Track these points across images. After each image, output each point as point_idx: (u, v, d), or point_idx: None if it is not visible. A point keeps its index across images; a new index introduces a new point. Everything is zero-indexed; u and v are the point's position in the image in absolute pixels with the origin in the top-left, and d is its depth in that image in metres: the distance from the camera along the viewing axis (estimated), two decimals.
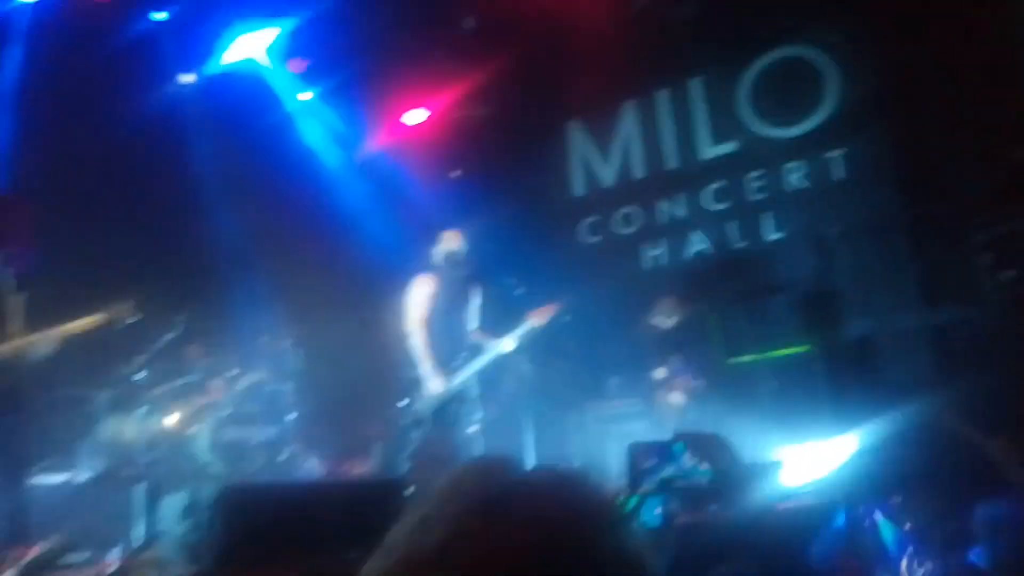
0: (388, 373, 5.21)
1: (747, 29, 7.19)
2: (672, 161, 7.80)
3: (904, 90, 6.45)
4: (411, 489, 3.83)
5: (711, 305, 5.94)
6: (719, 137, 7.50)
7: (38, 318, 4.10)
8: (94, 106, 6.37)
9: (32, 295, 4.10)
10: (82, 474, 5.23)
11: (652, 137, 7.92)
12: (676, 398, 5.43)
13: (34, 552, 3.03)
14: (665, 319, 5.90)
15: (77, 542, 3.35)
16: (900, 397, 4.75)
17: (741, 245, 7.17)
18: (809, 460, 4.18)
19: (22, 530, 3.52)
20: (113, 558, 3.21)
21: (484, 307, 5.21)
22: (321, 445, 5.99)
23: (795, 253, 6.58)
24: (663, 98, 7.90)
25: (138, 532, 3.38)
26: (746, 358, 5.65)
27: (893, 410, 4.37)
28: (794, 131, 7.05)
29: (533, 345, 5.34)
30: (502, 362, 5.05)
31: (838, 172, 6.79)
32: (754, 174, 7.22)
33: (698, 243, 7.46)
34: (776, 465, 4.15)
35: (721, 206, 7.37)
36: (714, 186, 7.43)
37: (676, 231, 7.59)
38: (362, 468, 5.50)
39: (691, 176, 7.60)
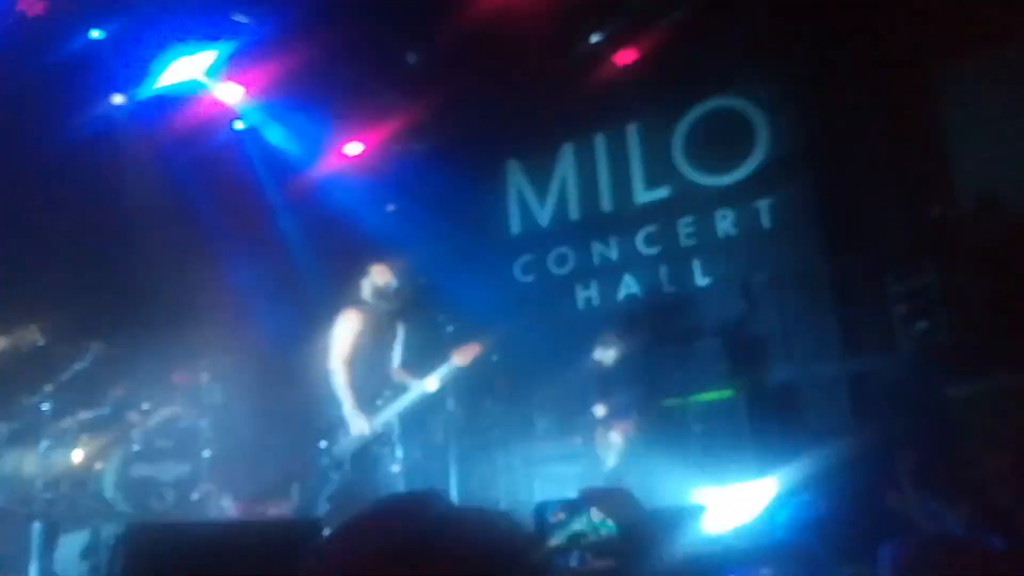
0: (309, 411, 5.07)
1: (683, 78, 7.42)
2: (607, 204, 7.92)
3: (830, 143, 6.73)
4: (328, 531, 3.69)
5: (642, 347, 6.00)
6: (653, 182, 7.66)
7: None
8: (21, 122, 6.11)
9: None
10: None
11: (588, 179, 8.04)
12: (614, 438, 5.43)
13: None
14: (602, 357, 5.93)
15: None
16: (819, 442, 4.87)
17: (671, 289, 7.29)
18: (731, 504, 4.23)
19: None
20: None
21: (412, 344, 5.14)
22: (236, 484, 5.74)
23: (723, 299, 6.72)
24: (600, 141, 8.05)
25: (32, 573, 3.15)
26: (675, 401, 5.71)
27: (811, 454, 4.49)
28: (725, 179, 7.25)
29: (460, 384, 5.28)
30: (427, 401, 4.96)
31: (766, 220, 7.00)
32: (686, 220, 7.38)
33: (630, 286, 7.55)
34: (699, 509, 4.18)
35: (653, 250, 7.50)
36: (646, 230, 7.56)
37: (608, 273, 7.68)
38: (279, 509, 5.29)
39: (625, 219, 7.72)
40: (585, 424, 5.80)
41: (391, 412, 4.73)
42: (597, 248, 7.81)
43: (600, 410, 5.62)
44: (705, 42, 7.08)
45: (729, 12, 6.95)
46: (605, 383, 5.77)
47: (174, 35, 7.25)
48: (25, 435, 5.32)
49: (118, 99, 7.25)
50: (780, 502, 4.14)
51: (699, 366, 5.87)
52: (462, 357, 4.86)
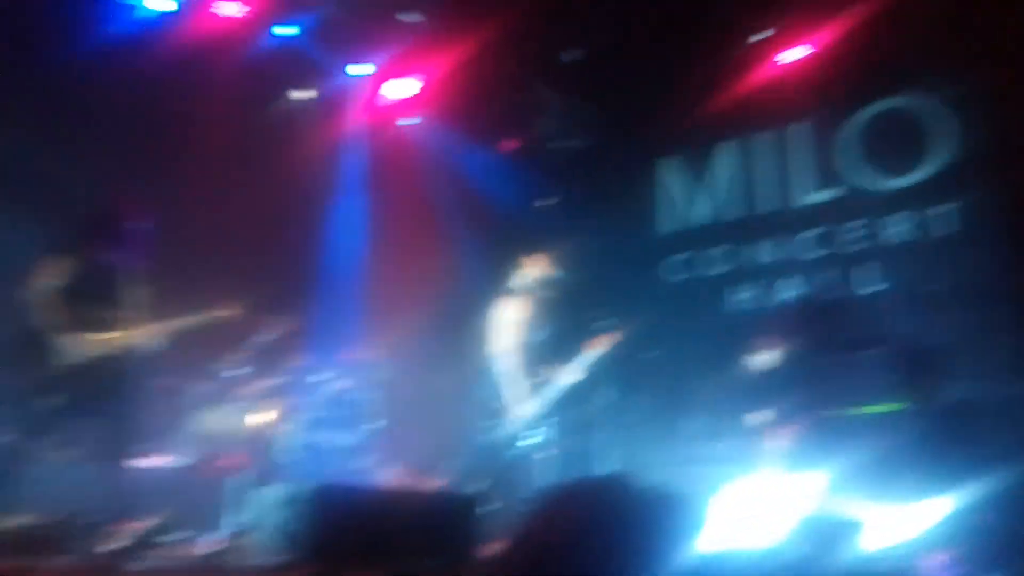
0: (470, 393, 5.31)
1: (854, 77, 7.09)
2: (765, 205, 7.71)
3: (1017, 148, 6.24)
4: (487, 508, 3.89)
5: (803, 355, 5.82)
6: (818, 184, 7.39)
7: (156, 311, 4.38)
8: (218, 117, 6.77)
9: (154, 290, 4.39)
10: (180, 460, 5.51)
11: (746, 179, 7.86)
12: (770, 446, 5.32)
13: (139, 527, 3.22)
14: (758, 363, 5.81)
15: (177, 523, 3.55)
16: (993, 463, 4.55)
17: (834, 295, 7.01)
18: (897, 521, 4.06)
19: (127, 507, 3.75)
20: (211, 541, 3.38)
21: (563, 335, 5.26)
22: (400, 455, 6.12)
23: (892, 307, 6.39)
24: (762, 140, 7.85)
25: (233, 519, 3.55)
26: (837, 412, 5.50)
27: (985, 475, 4.21)
28: (898, 183, 6.88)
29: (608, 379, 5.35)
30: (574, 392, 5.08)
31: (942, 227, 6.58)
32: (853, 224, 7.07)
33: (788, 290, 7.33)
34: (857, 524, 4.04)
35: (816, 254, 7.24)
36: (810, 233, 7.30)
37: (764, 276, 7.48)
38: (436, 482, 5.59)
39: (787, 221, 7.50)
40: (736, 429, 5.71)
41: (549, 399, 4.88)
42: (753, 250, 7.63)
43: (755, 417, 5.52)
44: (879, 39, 6.75)
45: (906, 5, 6.58)
46: (760, 390, 5.65)
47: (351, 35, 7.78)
48: (220, 397, 5.96)
49: (306, 93, 7.86)
50: (950, 522, 3.94)
51: (865, 377, 5.61)
52: (598, 347, 4.97)
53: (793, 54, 7.37)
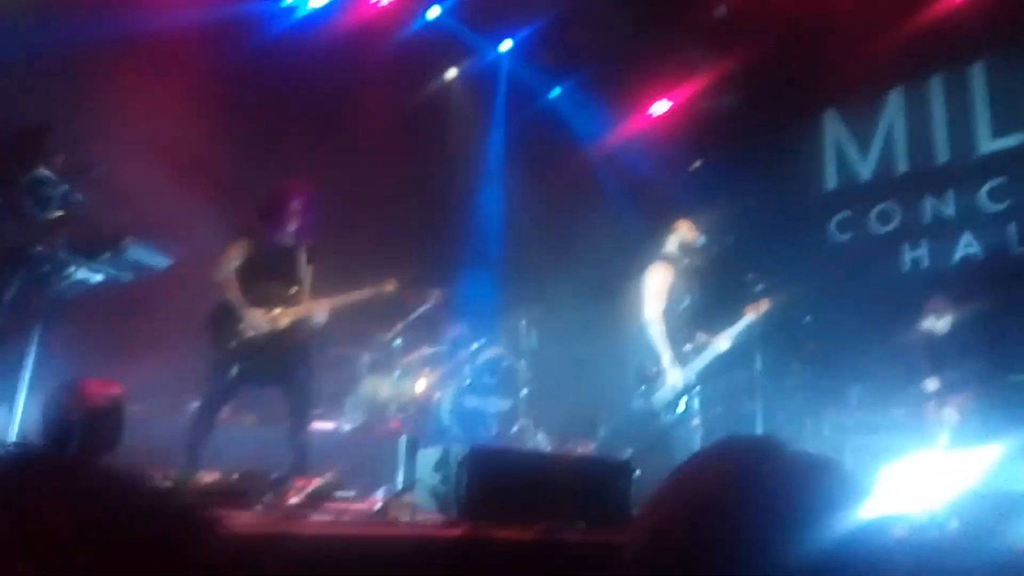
0: (619, 359, 5.32)
1: None
2: (942, 155, 7.09)
3: None
4: (637, 473, 3.91)
5: (984, 315, 5.35)
6: (1002, 129, 6.70)
7: (322, 287, 4.72)
8: (375, 101, 7.12)
9: (318, 267, 4.73)
10: (347, 423, 5.95)
11: (920, 128, 7.25)
12: (948, 414, 4.98)
13: (314, 484, 3.53)
14: (934, 325, 5.40)
15: (347, 481, 3.85)
16: None
17: (1021, 251, 6.37)
18: None
19: (303, 465, 4.11)
20: (377, 497, 3.65)
21: (718, 301, 5.13)
22: (549, 421, 6.26)
23: None
24: (936, 85, 7.20)
25: (397, 478, 3.80)
26: (1019, 376, 5.04)
27: None
28: None
29: (767, 344, 5.17)
30: (730, 358, 4.94)
31: None
32: None
33: (968, 246, 6.74)
34: None
35: (998, 206, 6.59)
36: (991, 184, 6.65)
37: (942, 232, 6.91)
38: (586, 448, 5.67)
39: (964, 172, 6.87)
40: (909, 396, 5.36)
41: (700, 365, 4.80)
42: (929, 203, 7.05)
43: (932, 383, 5.15)
44: None
45: None
46: (937, 353, 5.26)
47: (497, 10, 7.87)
48: (381, 365, 6.34)
49: (451, 73, 8.08)
50: None
51: None
52: (753, 313, 4.79)
53: None
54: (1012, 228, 6.47)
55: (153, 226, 4.45)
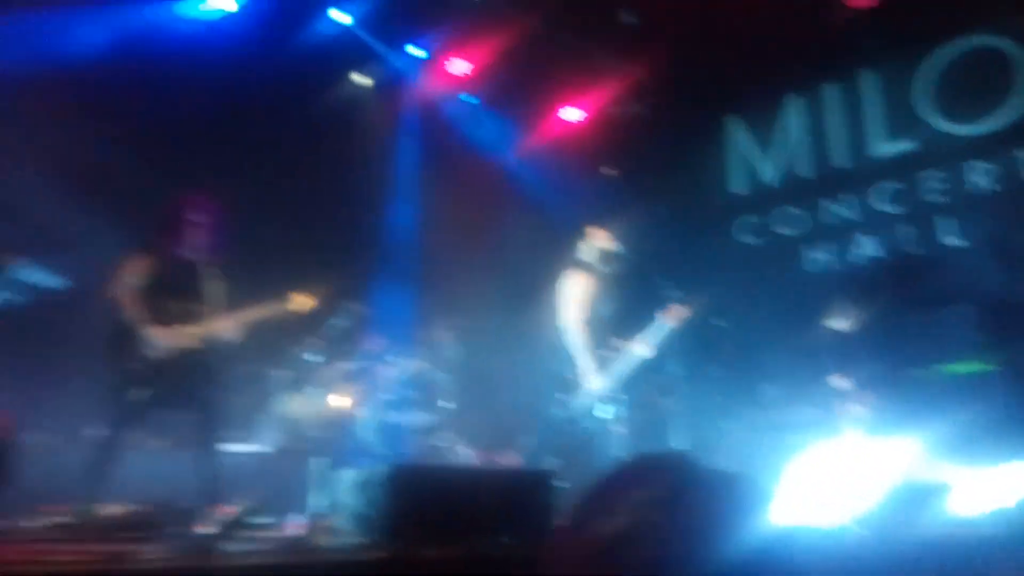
0: (538, 368, 5.32)
1: (930, 16, 6.72)
2: (840, 159, 7.43)
3: None
4: (560, 483, 3.90)
5: (884, 314, 5.62)
6: (894, 134, 7.07)
7: (232, 303, 4.53)
8: (279, 105, 6.91)
9: (228, 283, 4.54)
10: (263, 446, 5.73)
11: (818, 133, 7.58)
12: (854, 410, 5.18)
13: (229, 511, 3.37)
14: (839, 324, 5.62)
15: (264, 506, 3.69)
16: None
17: (915, 250, 6.72)
18: (987, 486, 3.90)
19: (216, 492, 3.92)
20: (295, 523, 3.51)
21: (632, 308, 5.20)
22: (472, 434, 6.21)
23: (978, 261, 6.09)
24: (832, 91, 7.54)
25: (316, 501, 3.67)
26: (922, 372, 5.30)
27: None
28: (980, 128, 6.52)
29: (681, 348, 5.27)
30: (646, 364, 5.02)
31: None
32: (933, 174, 6.75)
33: (868, 247, 7.07)
34: (944, 488, 3.89)
35: (894, 208, 6.94)
36: (887, 186, 7.01)
37: (843, 233, 7.23)
38: (510, 458, 5.65)
39: (862, 175, 7.21)
40: (818, 394, 5.57)
41: (615, 372, 4.85)
42: (828, 206, 7.37)
43: (838, 380, 5.36)
44: None
45: None
46: (841, 351, 5.49)
47: (405, 18, 7.79)
48: (297, 382, 6.15)
49: (363, 79, 7.94)
50: None
51: (950, 335, 5.38)
52: (671, 318, 4.89)
53: None
54: (906, 229, 6.82)
55: (46, 244, 4.19)
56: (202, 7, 6.97)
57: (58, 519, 3.64)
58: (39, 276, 3.83)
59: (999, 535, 3.32)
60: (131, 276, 4.33)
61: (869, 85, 7.29)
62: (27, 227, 4.76)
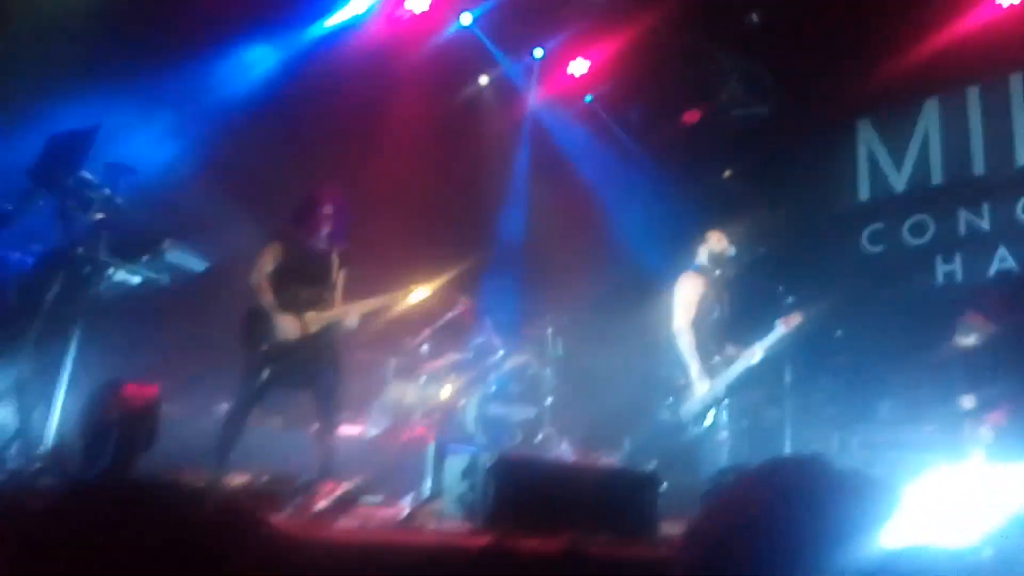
0: (645, 369, 5.30)
1: None
2: (978, 167, 6.98)
3: None
4: (664, 485, 3.90)
5: (1019, 330, 5.26)
6: None
7: (353, 292, 4.77)
8: (410, 107, 7.19)
9: (350, 272, 4.78)
10: (374, 429, 5.99)
11: (956, 139, 7.15)
12: (983, 431, 4.90)
13: (341, 489, 3.56)
14: (968, 340, 5.32)
15: (374, 486, 3.88)
16: None
17: None
18: None
19: (331, 470, 4.15)
20: (404, 504, 3.68)
21: (748, 313, 5.10)
22: (573, 431, 6.25)
23: None
24: (973, 95, 7.09)
25: (424, 485, 3.83)
26: None
27: None
28: None
29: (796, 357, 5.12)
30: (758, 371, 4.91)
31: None
32: None
33: (1003, 260, 6.62)
34: None
35: None
36: None
37: (977, 245, 6.80)
38: (610, 458, 5.66)
39: (1001, 184, 6.75)
40: (941, 413, 5.28)
41: (725, 379, 4.77)
42: (964, 216, 6.95)
43: (967, 400, 5.07)
44: None
45: None
46: (971, 370, 5.18)
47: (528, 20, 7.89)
48: (407, 371, 6.38)
49: (484, 79, 8.12)
50: None
51: None
52: (786, 326, 4.74)
53: None
54: None
55: (190, 229, 4.53)
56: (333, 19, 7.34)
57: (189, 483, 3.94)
58: (187, 259, 4.15)
59: None
60: (265, 264, 4.63)
61: (1017, 89, 6.81)
62: (176, 215, 5.16)
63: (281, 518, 3.14)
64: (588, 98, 8.60)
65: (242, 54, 6.64)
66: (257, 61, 6.77)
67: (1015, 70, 6.81)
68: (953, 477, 4.45)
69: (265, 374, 4.42)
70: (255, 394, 4.49)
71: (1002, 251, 6.65)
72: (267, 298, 4.55)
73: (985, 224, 6.82)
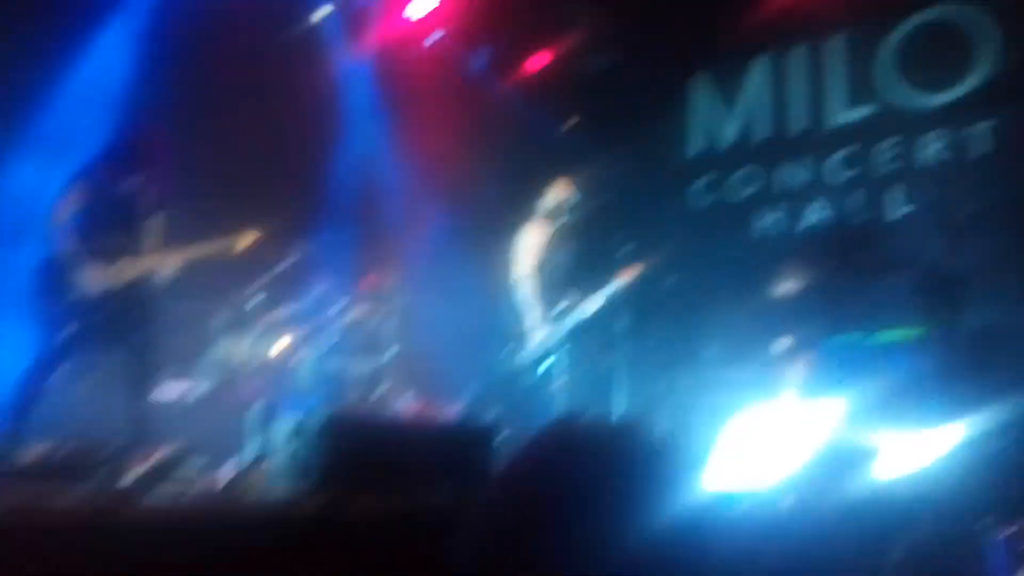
0: (487, 319, 5.29)
1: None
2: (799, 123, 7.43)
3: None
4: (502, 436, 3.91)
5: (826, 279, 5.70)
6: (854, 101, 7.08)
7: (172, 239, 4.37)
8: (235, 39, 6.63)
9: (168, 217, 4.37)
10: (198, 388, 5.62)
11: (780, 96, 7.56)
12: (792, 372, 5.28)
13: (157, 456, 3.29)
14: (784, 288, 5.70)
15: (194, 450, 3.62)
16: (1016, 390, 4.46)
17: (864, 218, 6.80)
18: (910, 449, 4.02)
19: (146, 435, 3.83)
20: (227, 469, 3.45)
21: (586, 262, 5.19)
22: (416, 383, 6.18)
23: (922, 231, 6.20)
24: (797, 55, 7.50)
25: (249, 449, 3.61)
26: (856, 337, 5.42)
27: (1009, 407, 4.13)
28: (938, 99, 6.56)
29: (628, 305, 5.30)
30: (594, 319, 5.04)
31: (981, 147, 6.30)
32: (888, 143, 6.80)
33: (818, 212, 7.13)
34: (869, 452, 4.00)
35: (848, 174, 7.00)
36: (843, 152, 7.05)
37: (795, 199, 7.28)
38: (453, 410, 5.65)
39: (818, 141, 7.23)
40: (756, 355, 5.66)
41: (567, 325, 4.85)
42: (785, 170, 7.39)
43: (784, 341, 5.45)
44: None
45: None
46: (784, 315, 5.57)
47: None
48: (237, 326, 6.02)
49: (323, 12, 7.64)
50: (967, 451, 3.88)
51: (888, 302, 5.50)
52: (626, 277, 4.89)
53: None
54: (858, 196, 6.89)
55: None
56: None
57: None
58: None
59: (919, 496, 3.44)
60: (67, 209, 4.14)
61: (836, 51, 7.26)
62: None
63: (86, 492, 2.84)
64: (431, 39, 8.32)
65: None
66: None
67: (835, 32, 7.23)
68: (766, 415, 4.79)
69: (68, 330, 4.00)
70: (57, 354, 4.05)
71: (817, 204, 7.14)
72: (70, 245, 4.09)
73: (803, 178, 7.28)
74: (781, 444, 4.19)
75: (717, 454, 4.20)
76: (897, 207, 6.64)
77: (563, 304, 4.98)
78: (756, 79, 7.72)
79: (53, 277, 4.08)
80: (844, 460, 3.88)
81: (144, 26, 6.53)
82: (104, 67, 6.33)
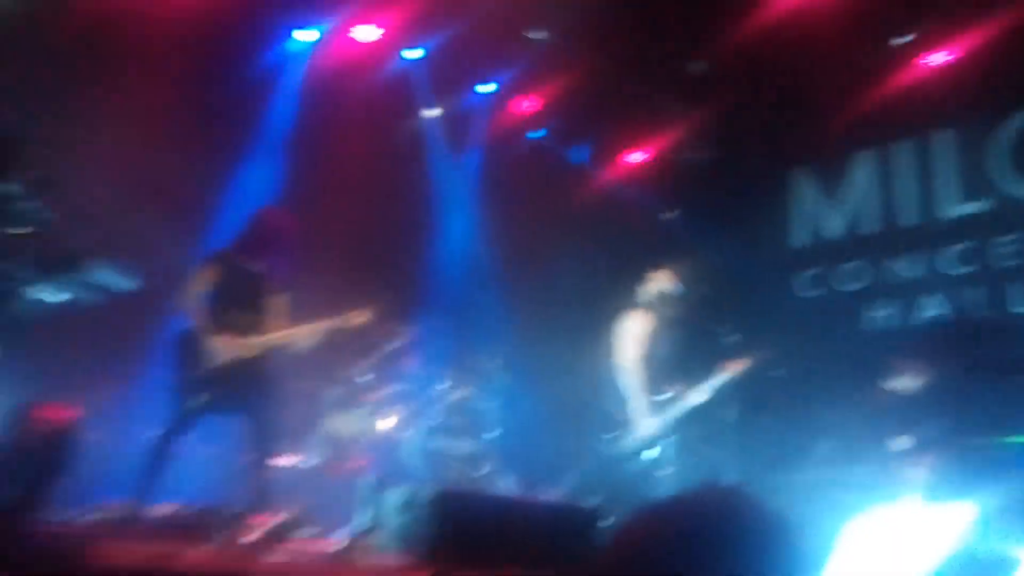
0: (590, 405, 5.28)
1: (1009, 79, 6.58)
2: (909, 217, 7.27)
3: None
4: (607, 521, 3.85)
5: (949, 377, 5.43)
6: (967, 195, 6.90)
7: (295, 317, 4.63)
8: (353, 135, 7.13)
9: (293, 297, 4.65)
10: (310, 460, 5.79)
11: (888, 190, 7.44)
12: (912, 474, 5.00)
13: (274, 521, 3.41)
14: (901, 384, 5.47)
15: (308, 519, 3.72)
16: None
17: (984, 314, 6.50)
18: None
19: (264, 500, 3.97)
20: (339, 537, 3.53)
21: (690, 353, 5.15)
22: (517, 465, 6.17)
23: None
24: (904, 149, 7.41)
25: (361, 518, 3.68)
26: (987, 440, 5.09)
27: None
28: None
29: (736, 398, 5.19)
30: (700, 411, 4.96)
31: None
32: (1006, 238, 6.55)
33: (933, 307, 6.87)
34: (1008, 561, 3.71)
35: (964, 270, 6.75)
36: (957, 247, 6.82)
37: (909, 292, 7.04)
38: (554, 493, 5.59)
39: (930, 235, 7.03)
40: (874, 454, 5.38)
41: (673, 415, 4.80)
42: (895, 265, 7.20)
43: (897, 442, 5.19)
44: None
45: None
46: (902, 413, 5.31)
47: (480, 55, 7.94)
48: (347, 401, 6.21)
49: (432, 112, 8.12)
50: None
51: (1016, 403, 5.17)
52: (733, 369, 4.83)
53: (937, 57, 6.94)
54: (975, 292, 6.62)
55: (118, 247, 4.36)
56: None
57: (109, 515, 3.72)
58: (112, 278, 3.98)
59: None
60: (200, 284, 4.47)
61: (944, 145, 7.14)
62: (104, 230, 4.97)
63: (209, 551, 2.97)
64: (538, 133, 8.67)
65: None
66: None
67: (944, 126, 7.13)
68: (889, 518, 4.52)
69: (198, 398, 4.25)
70: (186, 420, 4.30)
71: (931, 299, 6.89)
72: (202, 320, 4.39)
73: (914, 272, 7.07)
74: (905, 550, 3.94)
75: (835, 557, 3.99)
76: (1020, 302, 6.33)
77: (668, 393, 4.94)
78: (861, 173, 7.65)
79: (186, 348, 4.37)
80: (974, 570, 3.62)
81: (279, 125, 7.08)
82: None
